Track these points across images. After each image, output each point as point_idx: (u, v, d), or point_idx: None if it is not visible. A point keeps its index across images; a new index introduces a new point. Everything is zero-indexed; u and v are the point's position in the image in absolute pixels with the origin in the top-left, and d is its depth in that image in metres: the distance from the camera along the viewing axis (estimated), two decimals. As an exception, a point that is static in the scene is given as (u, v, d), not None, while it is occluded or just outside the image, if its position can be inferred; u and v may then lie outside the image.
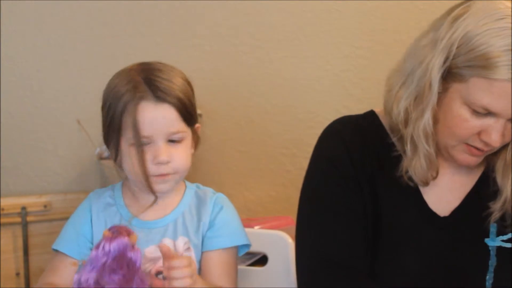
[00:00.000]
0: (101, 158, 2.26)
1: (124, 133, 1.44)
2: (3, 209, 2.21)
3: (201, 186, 1.59)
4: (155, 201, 1.48)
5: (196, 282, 1.35)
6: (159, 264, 1.44)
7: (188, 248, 1.47)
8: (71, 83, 2.32)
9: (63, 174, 2.33)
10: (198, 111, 2.38)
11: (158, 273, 1.46)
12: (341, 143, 1.44)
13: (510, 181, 1.38)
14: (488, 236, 1.40)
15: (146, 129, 1.43)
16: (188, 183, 1.58)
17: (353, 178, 1.42)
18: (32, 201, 2.24)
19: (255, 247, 1.77)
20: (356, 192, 1.41)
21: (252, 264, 1.87)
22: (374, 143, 1.44)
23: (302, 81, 2.49)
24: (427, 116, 1.33)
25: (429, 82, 1.31)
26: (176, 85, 1.46)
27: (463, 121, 1.31)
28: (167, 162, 1.44)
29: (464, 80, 1.29)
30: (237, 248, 1.52)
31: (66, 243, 1.51)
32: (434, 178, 1.39)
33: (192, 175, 1.68)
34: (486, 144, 1.32)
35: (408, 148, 1.37)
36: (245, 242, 1.52)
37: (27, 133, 2.30)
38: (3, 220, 2.20)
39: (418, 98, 1.33)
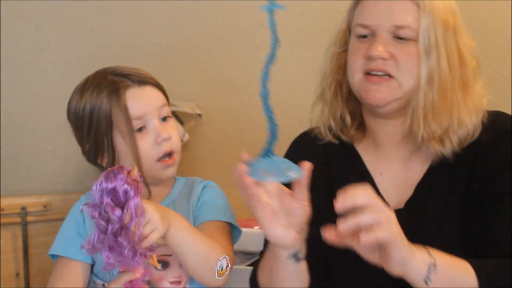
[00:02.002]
0: (101, 158, 2.26)
1: (117, 129, 1.49)
2: (3, 209, 2.20)
3: (190, 178, 1.62)
4: (149, 196, 1.52)
5: (169, 223, 1.36)
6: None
7: None
8: (71, 83, 2.31)
9: (63, 174, 2.32)
10: (198, 111, 2.38)
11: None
12: (298, 153, 1.53)
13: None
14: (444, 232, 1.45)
15: (139, 111, 1.49)
16: (177, 176, 1.61)
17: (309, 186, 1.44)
18: (32, 201, 2.24)
19: (255, 247, 1.77)
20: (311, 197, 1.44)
21: (252, 264, 1.87)
22: (332, 145, 1.58)
23: (302, 81, 2.49)
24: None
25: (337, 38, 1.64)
26: (144, 70, 1.57)
27: (355, 50, 1.52)
28: (170, 138, 1.51)
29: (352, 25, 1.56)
30: (228, 226, 1.55)
31: (66, 246, 1.51)
32: (354, 137, 1.57)
33: (192, 175, 1.68)
34: (372, 58, 1.46)
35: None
36: (229, 220, 1.54)
37: (27, 133, 2.30)
38: (3, 220, 2.20)
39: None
